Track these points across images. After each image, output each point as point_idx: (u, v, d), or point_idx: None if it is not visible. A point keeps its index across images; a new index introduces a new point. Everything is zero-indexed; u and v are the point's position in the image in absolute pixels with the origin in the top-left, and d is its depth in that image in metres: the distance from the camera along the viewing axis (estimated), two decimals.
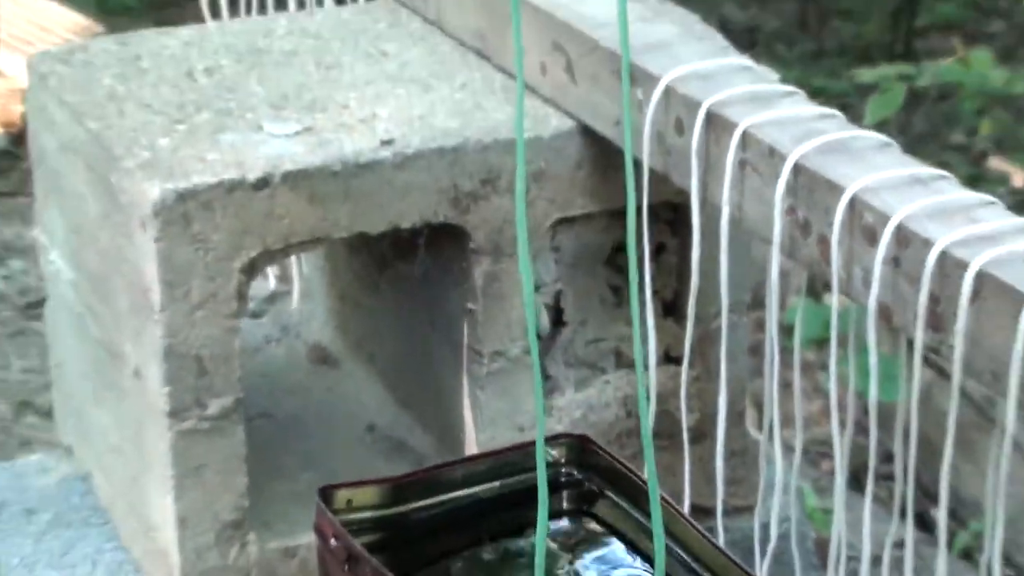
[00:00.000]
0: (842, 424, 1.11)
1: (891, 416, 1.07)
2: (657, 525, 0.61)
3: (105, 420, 1.54)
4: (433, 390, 1.50)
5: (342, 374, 1.68)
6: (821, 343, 2.19)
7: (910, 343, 1.01)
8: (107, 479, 1.59)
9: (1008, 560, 1.61)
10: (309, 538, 1.28)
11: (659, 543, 0.62)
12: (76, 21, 3.24)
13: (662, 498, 0.85)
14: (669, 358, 1.45)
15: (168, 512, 1.37)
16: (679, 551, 1.13)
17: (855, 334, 1.10)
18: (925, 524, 1.85)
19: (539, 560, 0.62)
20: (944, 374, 1.65)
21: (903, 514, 1.06)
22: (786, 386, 1.20)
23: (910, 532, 1.06)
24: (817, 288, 1.50)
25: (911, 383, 1.03)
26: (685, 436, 1.32)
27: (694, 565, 1.11)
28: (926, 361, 1.04)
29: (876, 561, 1.12)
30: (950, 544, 2.19)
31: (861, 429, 1.20)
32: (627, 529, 1.21)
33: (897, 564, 1.09)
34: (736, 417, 1.39)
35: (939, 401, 1.97)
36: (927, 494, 1.32)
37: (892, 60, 3.58)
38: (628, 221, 0.64)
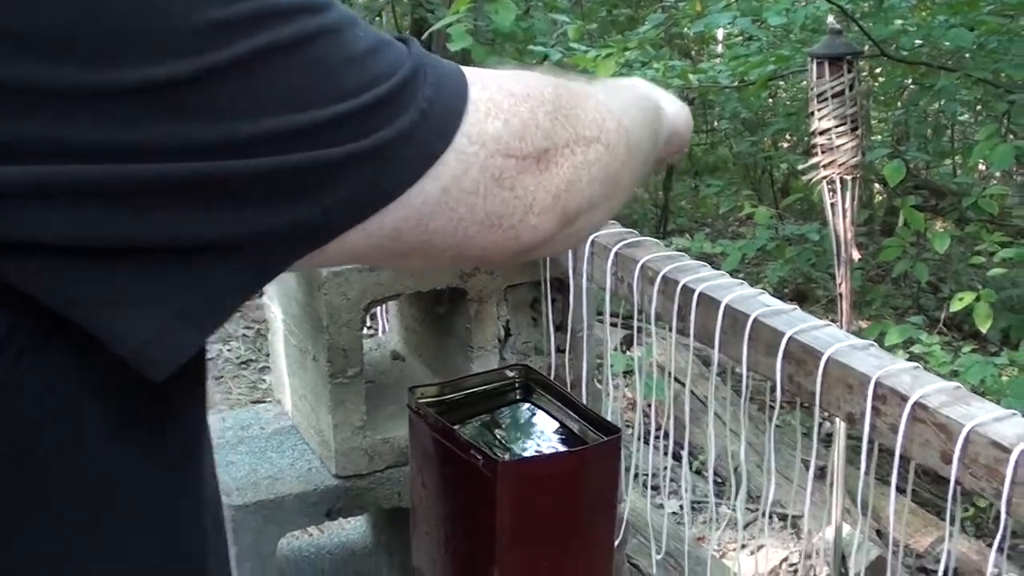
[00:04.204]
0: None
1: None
2: None
3: (297, 383, 2.33)
4: (450, 365, 2.35)
5: (406, 364, 2.50)
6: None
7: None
8: (299, 412, 2.35)
9: None
10: (396, 433, 2.12)
11: None
12: None
13: (553, 381, 1.90)
14: (559, 350, 2.30)
15: (329, 423, 2.15)
16: (559, 403, 1.90)
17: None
18: None
19: None
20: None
21: None
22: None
23: None
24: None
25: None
26: (568, 383, 2.28)
27: (567, 409, 1.88)
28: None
29: None
30: None
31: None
32: (549, 409, 1.91)
33: None
34: (590, 377, 2.29)
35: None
36: None
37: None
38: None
